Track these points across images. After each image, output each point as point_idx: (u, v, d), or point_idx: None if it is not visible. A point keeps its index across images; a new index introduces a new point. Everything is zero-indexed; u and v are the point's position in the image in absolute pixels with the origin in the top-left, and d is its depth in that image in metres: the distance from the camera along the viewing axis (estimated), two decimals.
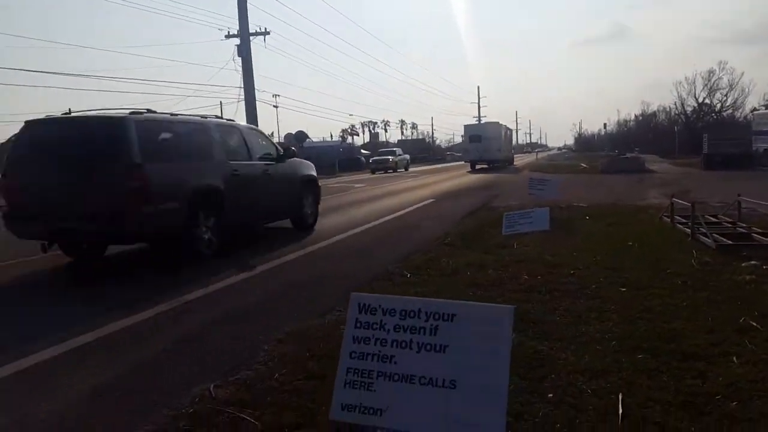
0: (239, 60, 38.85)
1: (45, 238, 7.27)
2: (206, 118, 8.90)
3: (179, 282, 6.49)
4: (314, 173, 11.33)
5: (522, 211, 8.00)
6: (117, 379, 3.72)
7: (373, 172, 42.63)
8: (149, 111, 7.67)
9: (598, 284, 5.57)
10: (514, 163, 50.19)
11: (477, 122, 53.03)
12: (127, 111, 7.32)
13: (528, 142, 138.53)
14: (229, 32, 39.55)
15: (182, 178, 7.54)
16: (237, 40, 38.79)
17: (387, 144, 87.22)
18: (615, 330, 4.20)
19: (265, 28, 39.77)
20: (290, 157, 10.50)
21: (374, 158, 47.86)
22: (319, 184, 11.60)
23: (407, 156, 51.06)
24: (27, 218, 7.19)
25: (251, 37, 38.91)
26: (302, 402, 3.20)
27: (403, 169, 45.69)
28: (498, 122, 46.89)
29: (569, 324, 4.42)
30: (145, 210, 6.94)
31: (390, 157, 46.38)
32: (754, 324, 4.17)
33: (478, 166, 41.85)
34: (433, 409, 2.04)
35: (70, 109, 7.75)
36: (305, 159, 12.25)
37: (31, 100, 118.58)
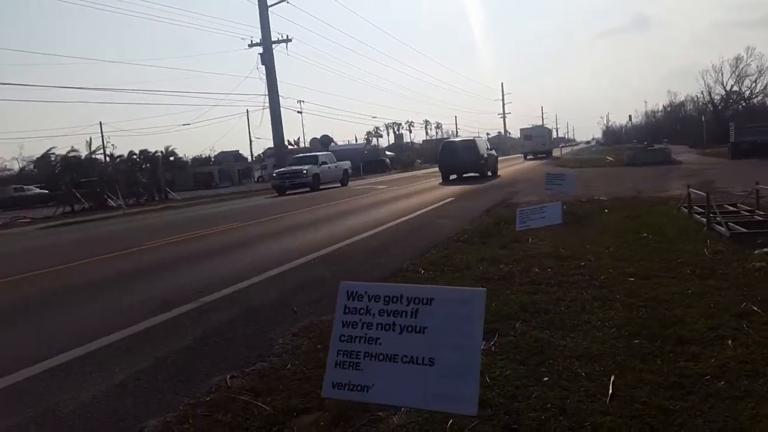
0: (263, 68, 39.49)
1: (452, 173, 27.90)
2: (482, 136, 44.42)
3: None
4: (496, 154, 32.41)
5: (535, 207, 8.10)
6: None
7: (280, 192, 28.09)
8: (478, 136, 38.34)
9: (607, 275, 5.66)
10: (553, 154, 59.23)
11: (529, 125, 64.27)
12: (473, 135, 40.39)
13: (555, 136, 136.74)
14: (252, 41, 40.22)
15: (490, 156, 29.44)
16: (260, 49, 39.44)
17: (411, 145, 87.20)
18: (616, 318, 4.32)
19: (287, 36, 40.31)
20: (493, 149, 31.54)
21: (279, 170, 30.74)
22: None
23: (344, 164, 33.45)
24: (447, 167, 27.97)
25: (273, 45, 39.53)
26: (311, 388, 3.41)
27: (338, 184, 31.27)
28: (543, 125, 65.94)
29: (573, 313, 4.54)
30: (480, 162, 27.15)
31: (305, 167, 28.80)
32: (756, 309, 4.24)
33: (528, 157, 55.32)
34: (414, 384, 2.23)
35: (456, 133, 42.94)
36: None
37: (60, 114, 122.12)
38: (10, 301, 7.10)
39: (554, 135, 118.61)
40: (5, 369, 4.28)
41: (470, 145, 27.58)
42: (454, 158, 26.97)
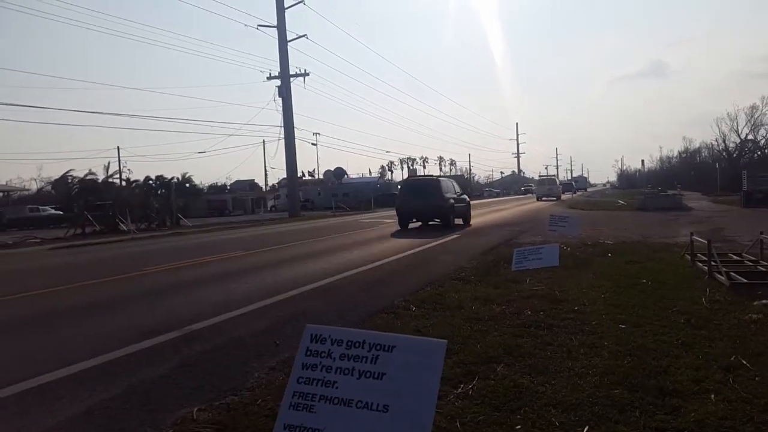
0: (280, 100, 40.05)
1: (411, 219, 20.85)
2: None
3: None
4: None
5: (532, 248, 8.01)
6: None
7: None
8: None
9: (599, 321, 5.56)
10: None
11: (574, 175, 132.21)
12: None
13: (543, 175, 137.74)
14: (270, 74, 40.92)
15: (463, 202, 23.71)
16: (278, 82, 40.06)
17: None
18: (600, 365, 4.21)
19: (305, 70, 40.87)
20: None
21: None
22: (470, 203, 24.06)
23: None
24: (405, 214, 20.69)
25: (291, 79, 40.14)
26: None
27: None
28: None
29: (558, 359, 4.43)
30: (445, 206, 20.05)
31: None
32: (745, 362, 4.12)
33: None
34: (366, 430, 2.16)
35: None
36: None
37: (80, 137, 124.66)
38: None
39: (562, 176, 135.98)
40: None
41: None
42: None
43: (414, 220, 21.18)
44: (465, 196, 23.15)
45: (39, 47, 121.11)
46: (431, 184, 20.94)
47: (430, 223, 20.87)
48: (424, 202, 20.00)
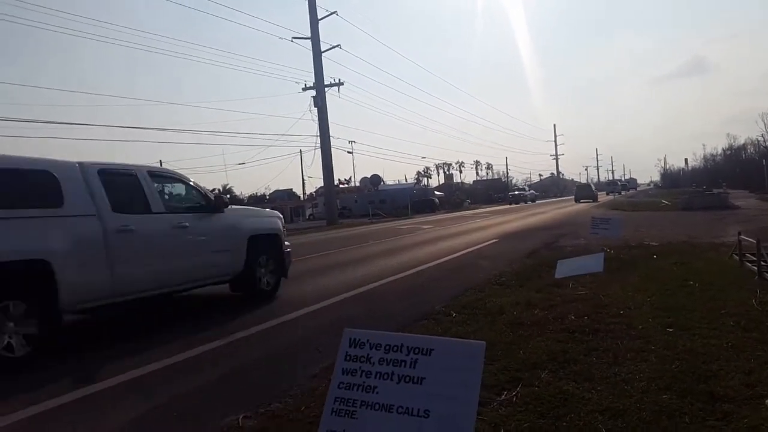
0: (315, 110, 40.47)
1: (580, 200, 50.77)
2: None
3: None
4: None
5: (575, 258, 7.91)
6: None
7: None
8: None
9: (645, 325, 5.43)
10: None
11: (626, 176, 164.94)
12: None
13: (610, 179, 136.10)
14: (305, 85, 41.38)
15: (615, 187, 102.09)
16: (313, 92, 40.50)
17: (461, 185, 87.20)
18: (648, 371, 4.12)
19: (339, 79, 41.21)
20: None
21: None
22: None
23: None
24: (577, 198, 52.74)
25: (326, 89, 40.52)
26: None
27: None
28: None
29: (604, 365, 4.35)
30: (593, 193, 56.12)
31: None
32: None
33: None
34: None
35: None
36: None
37: (120, 153, 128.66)
38: None
39: (603, 176, 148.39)
40: (36, 397, 4.39)
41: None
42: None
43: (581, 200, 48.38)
44: (595, 189, 60.15)
45: (84, 67, 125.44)
46: (588, 185, 62.57)
47: (582, 201, 47.72)
48: (584, 192, 51.48)
